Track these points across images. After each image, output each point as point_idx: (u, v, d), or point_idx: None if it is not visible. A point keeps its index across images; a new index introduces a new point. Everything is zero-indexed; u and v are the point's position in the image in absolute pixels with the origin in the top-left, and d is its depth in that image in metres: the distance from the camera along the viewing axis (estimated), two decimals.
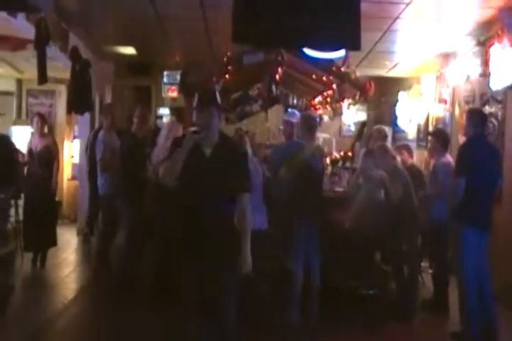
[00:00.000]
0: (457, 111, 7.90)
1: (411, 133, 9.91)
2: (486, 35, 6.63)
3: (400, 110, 10.18)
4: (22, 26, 5.81)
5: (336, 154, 8.15)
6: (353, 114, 10.80)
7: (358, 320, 5.18)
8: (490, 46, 6.39)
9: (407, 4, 5.95)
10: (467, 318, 4.71)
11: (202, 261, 3.39)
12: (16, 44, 6.83)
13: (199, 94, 3.54)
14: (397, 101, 10.32)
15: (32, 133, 7.31)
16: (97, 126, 9.35)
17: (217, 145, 3.43)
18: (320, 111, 9.69)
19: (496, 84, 6.22)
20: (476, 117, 4.99)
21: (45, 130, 7.15)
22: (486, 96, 6.70)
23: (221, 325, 3.43)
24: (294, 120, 5.96)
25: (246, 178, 3.52)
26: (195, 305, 3.46)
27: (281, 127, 6.62)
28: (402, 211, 5.39)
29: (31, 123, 7.35)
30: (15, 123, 9.92)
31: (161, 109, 10.42)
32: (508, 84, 5.94)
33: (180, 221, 3.47)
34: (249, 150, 5.11)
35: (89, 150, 7.66)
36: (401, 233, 5.42)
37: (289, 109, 8.85)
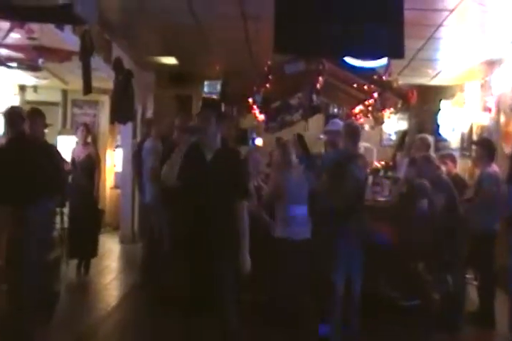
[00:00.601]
0: (502, 120, 7.72)
1: (454, 142, 9.74)
2: None
3: (442, 119, 10.01)
4: (68, 38, 5.95)
5: (376, 163, 8.07)
6: (393, 123, 10.69)
7: (399, 332, 5.08)
8: None
9: (451, 11, 5.86)
10: None
11: (203, 262, 3.54)
12: (63, 56, 6.98)
13: (202, 101, 3.79)
14: (440, 109, 10.17)
15: (76, 142, 7.45)
16: (138, 135, 9.50)
17: (218, 150, 3.64)
18: (361, 120, 9.62)
19: None
20: None
21: (89, 139, 7.29)
22: None
23: (225, 325, 3.59)
24: (337, 129, 5.94)
25: (244, 185, 3.76)
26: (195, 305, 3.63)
27: (322, 136, 6.57)
28: (447, 221, 5.28)
29: (76, 133, 7.49)
30: (60, 133, 10.13)
31: None
32: None
33: (184, 221, 3.64)
34: (295, 160, 5.10)
35: (134, 159, 7.75)
36: (446, 243, 5.31)
37: (334, 118, 8.81)
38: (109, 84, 7.77)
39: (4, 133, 5.17)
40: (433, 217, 5.38)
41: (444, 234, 5.27)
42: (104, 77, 7.55)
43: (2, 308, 4.29)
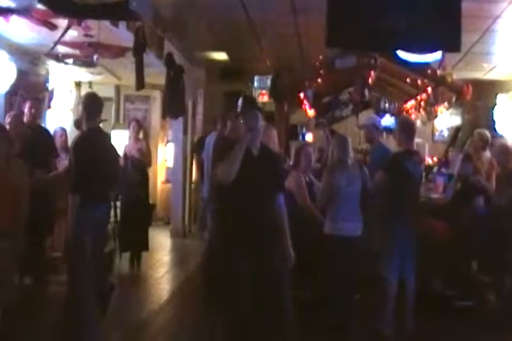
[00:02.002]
0: None
1: (510, 138, 9.46)
2: None
3: (498, 114, 9.74)
4: (122, 35, 6.05)
5: (429, 160, 7.93)
6: (446, 119, 10.47)
7: (453, 332, 4.96)
8: None
9: (510, 2, 5.69)
10: None
11: (252, 259, 3.53)
12: (117, 52, 7.12)
13: (243, 99, 3.76)
14: (495, 104, 9.89)
15: (128, 137, 7.56)
16: (189, 130, 9.59)
17: (260, 146, 3.72)
18: (413, 116, 9.46)
19: None
20: None
21: (140, 135, 7.39)
22: None
23: (281, 319, 3.57)
24: (371, 123, 5.90)
25: (282, 179, 3.94)
26: (243, 305, 3.54)
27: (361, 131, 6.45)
28: (505, 219, 5.14)
29: (128, 128, 7.62)
30: (114, 128, 10.33)
31: None
32: None
33: (231, 218, 3.64)
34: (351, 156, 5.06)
35: (195, 156, 7.83)
36: (504, 241, 5.17)
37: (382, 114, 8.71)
38: (161, 80, 7.86)
39: (76, 122, 5.02)
40: (490, 213, 5.26)
41: (501, 231, 5.13)
42: (156, 73, 7.63)
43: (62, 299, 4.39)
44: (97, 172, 4.21)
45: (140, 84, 6.36)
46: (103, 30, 6.03)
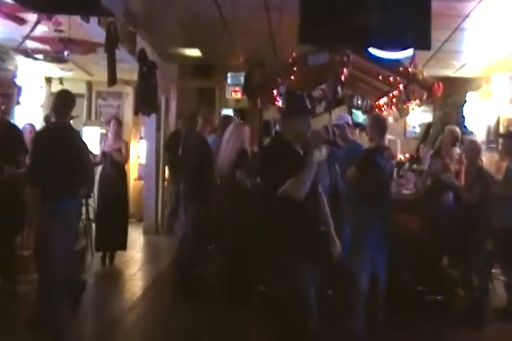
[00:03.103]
0: None
1: (480, 134, 9.62)
2: None
3: (468, 111, 9.89)
4: (93, 30, 5.98)
5: (401, 156, 8.01)
6: (418, 116, 10.60)
7: (424, 326, 5.04)
8: None
9: (479, 1, 5.77)
10: None
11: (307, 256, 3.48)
12: (88, 47, 7.04)
13: (295, 98, 3.66)
14: (465, 102, 10.04)
15: (104, 134, 7.49)
16: (162, 127, 9.54)
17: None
18: (385, 113, 9.54)
19: None
20: None
21: (120, 133, 7.34)
22: None
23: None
24: (343, 122, 5.95)
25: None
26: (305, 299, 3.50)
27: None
28: (474, 214, 5.23)
29: (107, 126, 7.55)
30: (85, 124, 10.22)
31: (224, 110, 10.50)
32: None
33: (285, 220, 3.50)
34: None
35: (169, 151, 7.77)
36: (472, 236, 5.25)
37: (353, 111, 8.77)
38: (134, 76, 7.80)
39: (45, 118, 4.99)
40: (459, 210, 5.34)
41: (469, 228, 5.21)
42: (128, 69, 7.58)
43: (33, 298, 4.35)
44: (55, 166, 4.18)
45: (112, 80, 6.30)
46: (74, 25, 5.96)
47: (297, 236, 3.44)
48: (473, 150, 5.58)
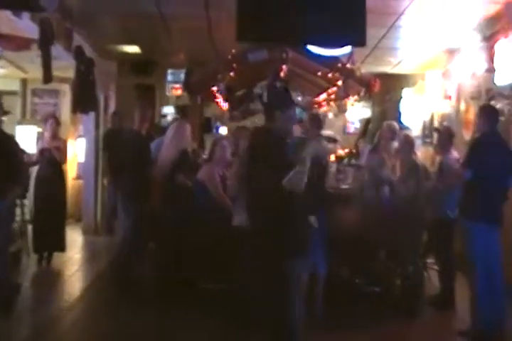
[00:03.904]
0: (463, 108, 7.86)
1: (416, 129, 9.88)
2: (492, 30, 6.58)
3: (404, 107, 10.14)
4: (26, 26, 5.81)
5: (340, 151, 8.14)
6: (357, 111, 10.80)
7: (361, 317, 5.16)
8: (496, 41, 6.35)
9: (412, 0, 5.92)
10: (477, 315, 4.70)
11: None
12: (21, 44, 6.81)
13: (284, 92, 3.73)
14: (402, 97, 10.29)
15: (42, 133, 7.31)
16: (102, 125, 9.38)
17: None
18: (324, 108, 9.69)
19: (502, 79, 6.18)
20: (490, 113, 4.99)
21: (57, 132, 7.17)
22: (492, 92, 6.66)
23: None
24: None
25: None
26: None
27: None
28: (409, 207, 5.37)
29: (43, 124, 7.36)
30: (19, 123, 9.93)
31: (165, 107, 10.42)
32: None
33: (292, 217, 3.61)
34: None
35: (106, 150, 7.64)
36: (406, 229, 5.40)
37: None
38: (70, 73, 7.63)
39: None
40: (395, 203, 5.47)
41: (404, 220, 5.35)
42: (64, 66, 7.40)
43: None
44: None
45: (47, 77, 6.14)
46: (5, 20, 5.76)
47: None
48: (407, 144, 5.73)
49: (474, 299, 4.75)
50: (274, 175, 3.54)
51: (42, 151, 6.91)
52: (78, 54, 7.41)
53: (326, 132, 8.35)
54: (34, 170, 7.11)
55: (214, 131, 9.90)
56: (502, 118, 6.34)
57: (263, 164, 3.71)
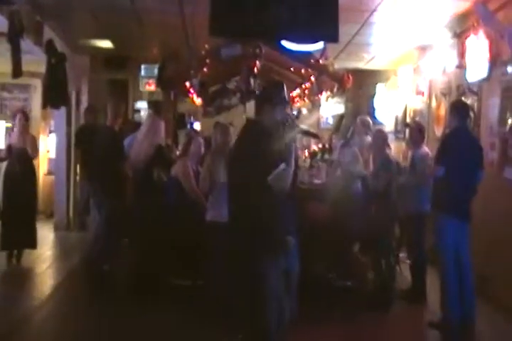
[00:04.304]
0: (434, 103, 7.96)
1: (388, 125, 9.97)
2: (462, 27, 6.67)
3: (377, 102, 10.23)
4: None
5: (314, 147, 8.17)
6: (331, 107, 10.84)
7: (335, 312, 5.20)
8: (466, 38, 6.45)
9: None
10: (447, 307, 4.78)
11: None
12: None
13: (277, 88, 3.66)
14: (375, 93, 10.37)
15: (10, 128, 7.20)
16: (73, 120, 9.28)
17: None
18: (298, 104, 9.71)
19: (472, 76, 6.28)
20: (460, 109, 5.06)
21: (27, 127, 7.06)
22: (462, 88, 6.75)
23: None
24: None
25: None
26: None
27: None
28: (381, 202, 5.42)
29: (12, 120, 7.25)
30: None
31: (138, 102, 10.34)
32: (484, 76, 6.00)
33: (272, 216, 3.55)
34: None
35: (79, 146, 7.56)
36: (379, 224, 5.44)
37: None
38: (41, 68, 7.52)
39: None
40: (367, 198, 5.52)
41: (376, 214, 5.40)
42: (35, 60, 7.29)
43: None
44: None
45: (17, 72, 6.06)
46: None
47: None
48: (379, 139, 5.78)
49: (444, 291, 4.83)
50: (256, 171, 3.47)
51: (9, 147, 6.81)
52: (49, 48, 7.32)
53: (305, 127, 8.38)
54: (3, 166, 7.00)
55: (188, 126, 9.85)
56: (471, 114, 6.47)
57: (246, 159, 3.63)
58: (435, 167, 4.86)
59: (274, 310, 3.61)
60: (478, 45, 6.06)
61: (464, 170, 4.81)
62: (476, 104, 6.38)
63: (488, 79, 5.97)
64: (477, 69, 6.12)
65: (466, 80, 6.47)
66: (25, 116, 7.09)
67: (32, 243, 6.88)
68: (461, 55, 6.61)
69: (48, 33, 7.34)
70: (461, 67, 6.63)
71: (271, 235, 3.56)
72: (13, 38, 5.86)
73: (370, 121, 6.68)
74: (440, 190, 4.87)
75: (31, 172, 7.02)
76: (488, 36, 5.84)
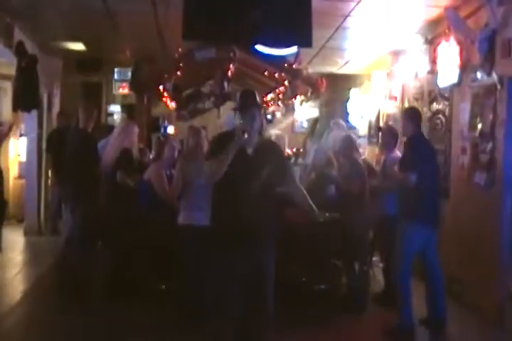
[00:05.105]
0: None
1: (362, 129, 10.04)
2: (434, 33, 6.76)
3: (351, 107, 10.30)
4: None
5: (288, 151, 8.19)
6: (305, 111, 10.89)
7: (310, 315, 5.20)
8: (437, 44, 6.53)
9: (358, 2, 6.01)
10: (401, 312, 4.84)
11: (245, 252, 3.56)
12: None
13: (241, 95, 3.69)
14: (349, 98, 10.44)
15: None
16: (45, 123, 9.15)
17: (257, 144, 3.63)
18: (272, 108, 9.74)
19: (443, 81, 6.36)
20: (414, 116, 5.15)
21: None
22: (434, 93, 6.84)
23: (263, 312, 3.69)
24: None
25: (286, 172, 3.80)
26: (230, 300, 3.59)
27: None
28: (354, 205, 5.44)
29: None
30: None
31: (111, 106, 10.25)
32: (454, 81, 6.08)
33: (223, 216, 3.61)
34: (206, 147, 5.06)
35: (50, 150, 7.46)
36: (352, 228, 5.46)
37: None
38: (11, 70, 7.40)
39: None
40: (341, 201, 5.54)
41: (349, 218, 5.41)
42: (5, 63, 7.18)
43: None
44: None
45: None
46: None
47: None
48: (346, 143, 5.78)
49: (399, 297, 4.87)
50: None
51: None
52: (19, 50, 7.20)
53: (275, 131, 8.41)
54: None
55: (161, 130, 9.80)
56: (443, 119, 6.56)
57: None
58: (406, 173, 4.85)
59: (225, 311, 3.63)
60: (450, 51, 6.14)
61: (433, 176, 4.86)
62: (447, 109, 6.46)
63: (458, 84, 6.05)
64: (448, 74, 6.20)
65: (438, 85, 6.55)
66: None
67: None
68: (433, 60, 6.69)
69: (19, 35, 7.24)
70: (433, 72, 6.71)
71: (219, 233, 3.63)
72: None
73: (344, 124, 6.72)
74: (409, 196, 4.84)
75: None
76: (459, 42, 5.92)
